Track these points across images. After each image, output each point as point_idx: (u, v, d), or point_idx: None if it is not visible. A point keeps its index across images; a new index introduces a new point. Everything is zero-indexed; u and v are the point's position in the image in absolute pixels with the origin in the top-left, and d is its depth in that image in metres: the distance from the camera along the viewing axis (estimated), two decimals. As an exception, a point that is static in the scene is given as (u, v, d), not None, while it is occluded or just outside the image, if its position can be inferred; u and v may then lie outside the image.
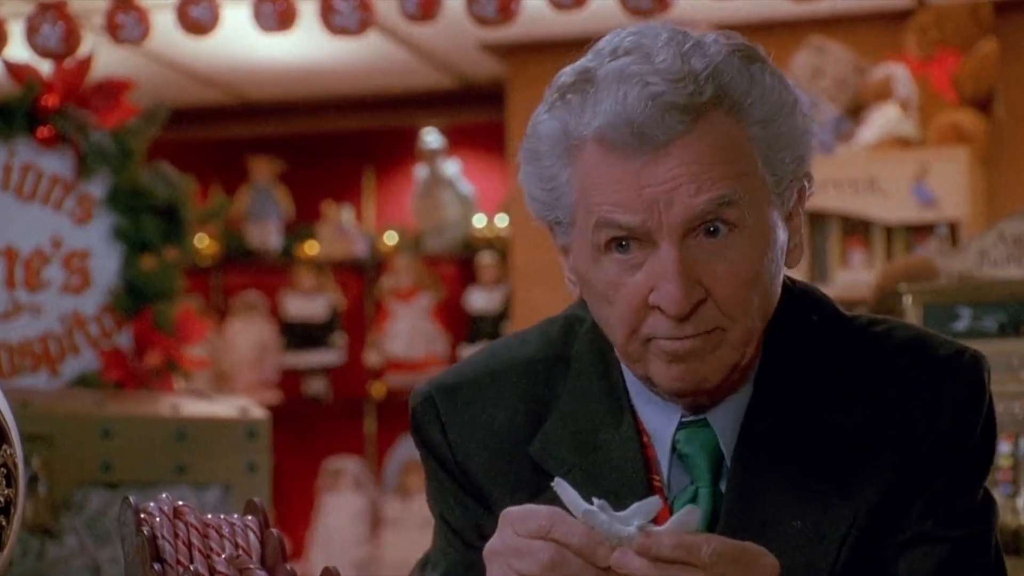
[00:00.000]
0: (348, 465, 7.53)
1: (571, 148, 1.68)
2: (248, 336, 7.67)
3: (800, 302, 1.77)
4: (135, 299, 3.96)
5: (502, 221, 7.44)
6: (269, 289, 7.81)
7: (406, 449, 7.48)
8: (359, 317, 7.79)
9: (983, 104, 6.15)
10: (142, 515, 1.58)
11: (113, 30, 4.68)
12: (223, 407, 3.86)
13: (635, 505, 1.50)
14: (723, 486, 1.71)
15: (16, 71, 4.04)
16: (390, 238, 7.67)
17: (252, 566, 1.57)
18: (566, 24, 5.85)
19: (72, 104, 3.97)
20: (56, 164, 3.95)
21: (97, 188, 3.96)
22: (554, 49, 6.70)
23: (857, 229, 6.00)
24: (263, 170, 7.82)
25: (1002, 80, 6.17)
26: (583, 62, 1.70)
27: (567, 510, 1.52)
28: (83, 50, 4.42)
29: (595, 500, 1.51)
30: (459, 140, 7.65)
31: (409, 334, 7.50)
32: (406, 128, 7.69)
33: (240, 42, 6.22)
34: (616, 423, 1.74)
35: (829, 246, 6.00)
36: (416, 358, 7.49)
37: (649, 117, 1.61)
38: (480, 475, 1.77)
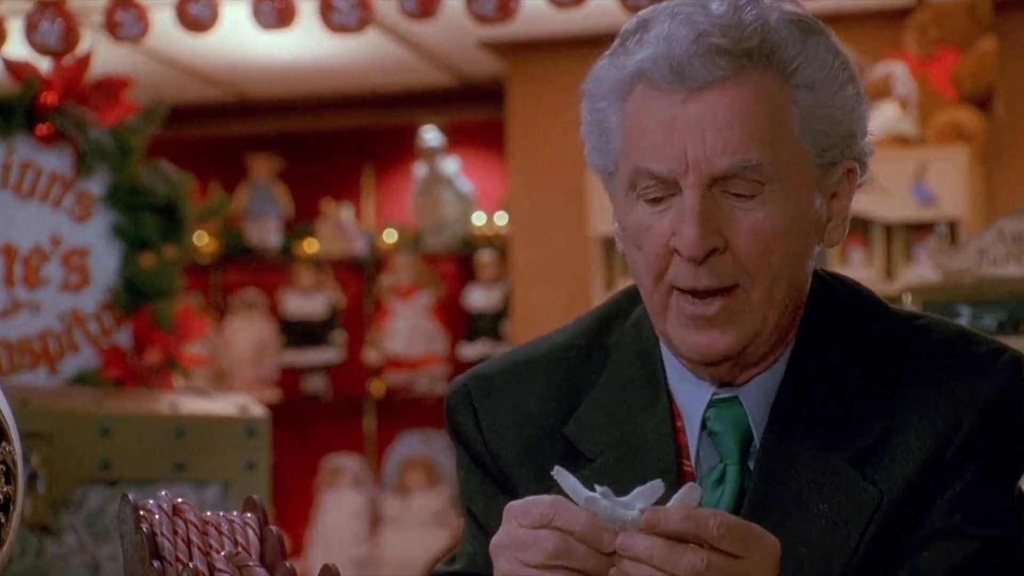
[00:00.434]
0: (347, 463, 7.53)
1: (621, 91, 1.70)
2: (247, 334, 7.67)
3: (839, 289, 1.78)
4: (134, 297, 3.96)
5: (501, 219, 7.44)
6: (268, 287, 7.81)
7: (405, 447, 7.49)
8: (358, 315, 7.79)
9: (982, 102, 6.14)
10: (141, 512, 1.58)
11: (112, 27, 4.68)
12: (222, 405, 3.86)
13: (637, 490, 1.51)
14: (751, 465, 1.71)
15: (15, 68, 4.03)
16: (389, 236, 7.67)
17: (251, 563, 1.57)
18: (566, 22, 5.85)
19: (71, 102, 3.96)
20: (55, 162, 3.95)
21: (96, 186, 3.96)
22: (554, 47, 6.70)
23: (856, 227, 6.00)
24: (262, 168, 7.82)
25: (1001, 78, 6.17)
26: (644, 11, 1.72)
27: (570, 499, 1.53)
28: (82, 47, 4.42)
29: (597, 487, 1.52)
30: (458, 138, 7.65)
31: (408, 332, 7.50)
32: (405, 126, 7.69)
33: (239, 40, 6.21)
34: (651, 408, 1.75)
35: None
36: (415, 356, 7.48)
37: (691, 56, 1.63)
38: (511, 462, 1.78)
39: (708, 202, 1.64)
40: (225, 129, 7.98)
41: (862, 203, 6.08)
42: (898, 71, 6.07)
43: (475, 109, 7.61)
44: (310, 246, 7.72)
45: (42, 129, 3.94)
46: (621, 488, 1.53)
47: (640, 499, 1.51)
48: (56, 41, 4.52)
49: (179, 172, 4.09)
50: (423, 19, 4.60)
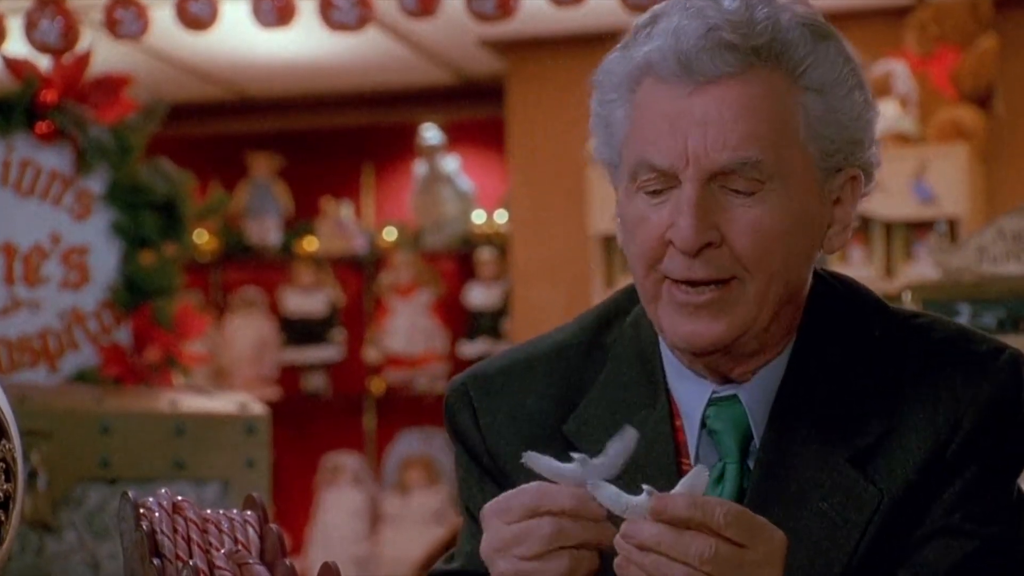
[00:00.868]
0: (347, 461, 7.54)
1: (630, 84, 1.70)
2: (247, 332, 7.67)
3: (838, 288, 1.78)
4: (134, 295, 3.95)
5: (501, 217, 7.44)
6: (268, 285, 7.81)
7: (405, 445, 7.49)
8: (358, 313, 7.79)
9: (983, 100, 6.14)
10: (141, 510, 1.58)
11: (112, 25, 4.67)
12: (222, 403, 3.86)
13: (611, 443, 1.51)
14: (751, 463, 1.72)
15: (15, 66, 4.03)
16: (389, 234, 7.67)
17: (251, 561, 1.57)
18: (565, 20, 5.85)
19: (71, 100, 3.96)
20: (55, 160, 3.95)
21: (96, 184, 3.96)
22: (553, 45, 6.70)
23: (856, 226, 6.00)
24: (262, 166, 7.82)
25: (1002, 76, 6.17)
26: (658, 5, 1.72)
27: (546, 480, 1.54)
28: (82, 45, 4.42)
29: (573, 456, 1.53)
30: (458, 136, 7.65)
31: (408, 330, 7.50)
32: (405, 124, 7.69)
33: (239, 38, 6.21)
34: (650, 407, 1.76)
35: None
36: (415, 354, 7.49)
37: (699, 49, 1.63)
38: (509, 460, 1.78)
39: (706, 196, 1.64)
40: (225, 127, 7.98)
41: (862, 201, 6.08)
42: (898, 69, 6.07)
43: (475, 107, 7.61)
44: (310, 244, 7.72)
45: (42, 127, 3.94)
46: (621, 488, 1.54)
47: (617, 454, 1.51)
48: (56, 39, 4.52)
49: (179, 170, 4.09)
50: (423, 17, 4.60)
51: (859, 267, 5.89)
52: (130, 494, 1.60)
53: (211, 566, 1.55)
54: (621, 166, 1.72)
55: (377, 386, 7.66)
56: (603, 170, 1.78)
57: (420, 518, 7.26)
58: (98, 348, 3.92)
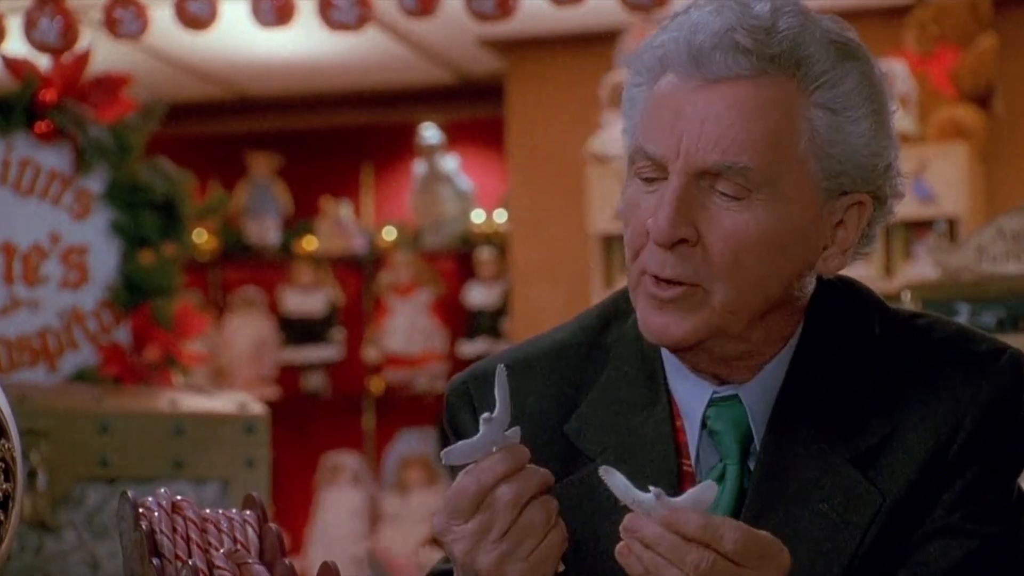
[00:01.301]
0: (347, 460, 7.53)
1: (654, 73, 1.69)
2: (247, 331, 7.67)
3: (839, 289, 1.77)
4: (133, 294, 3.95)
5: (501, 217, 7.44)
6: (268, 285, 7.81)
7: (404, 444, 7.48)
8: (357, 313, 7.79)
9: (982, 100, 6.14)
10: (140, 510, 1.58)
11: (111, 25, 4.67)
12: (221, 402, 3.86)
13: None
14: (751, 464, 1.71)
15: (14, 66, 4.03)
16: (388, 234, 7.67)
17: (250, 561, 1.57)
18: (565, 20, 5.85)
19: (70, 99, 3.96)
20: (54, 159, 3.95)
21: (95, 183, 3.96)
22: (553, 45, 6.70)
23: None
24: (261, 166, 7.82)
25: (1001, 76, 6.17)
26: None
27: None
28: (81, 45, 4.42)
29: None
30: (458, 136, 7.64)
31: (407, 330, 7.49)
32: (405, 124, 7.69)
33: (238, 37, 6.21)
34: (651, 407, 1.75)
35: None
36: (414, 354, 7.48)
37: (710, 47, 1.63)
38: None
39: (690, 192, 1.63)
40: (224, 127, 7.97)
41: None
42: (897, 69, 6.06)
43: (474, 107, 7.60)
44: (309, 244, 7.72)
45: (41, 126, 3.94)
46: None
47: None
48: (55, 38, 4.52)
49: (178, 170, 4.09)
50: (422, 17, 4.60)
51: (858, 266, 5.86)
52: (129, 494, 1.60)
53: (210, 566, 1.55)
54: (630, 150, 1.72)
55: (376, 386, 7.65)
56: (625, 155, 1.78)
57: (419, 518, 7.26)
58: (97, 348, 3.92)
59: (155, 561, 1.55)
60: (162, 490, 1.63)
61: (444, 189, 7.53)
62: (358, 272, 7.81)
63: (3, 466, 1.66)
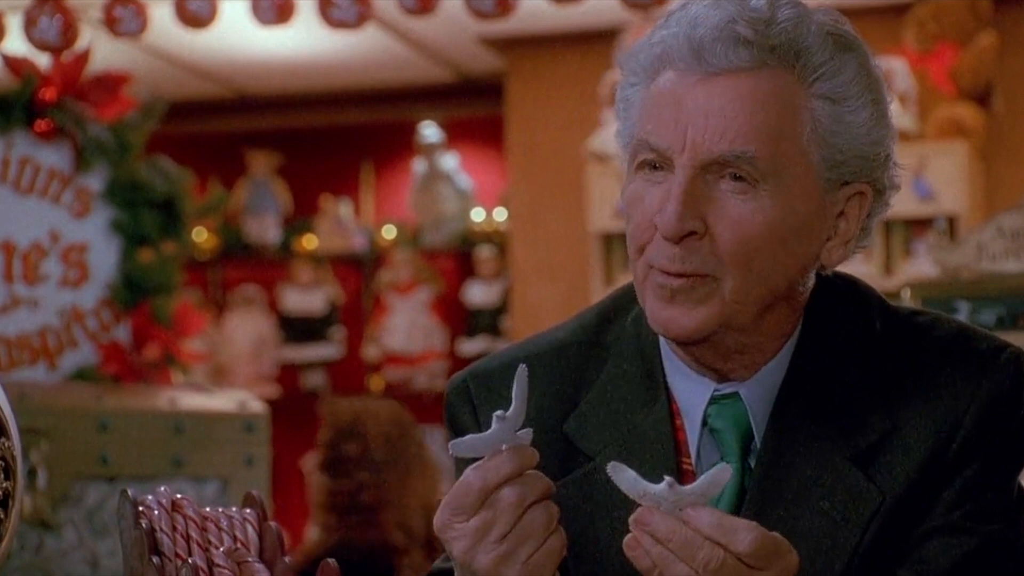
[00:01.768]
0: (346, 459, 7.53)
1: (651, 71, 1.69)
2: (246, 330, 7.67)
3: (839, 286, 1.78)
4: (133, 293, 3.95)
5: (500, 215, 7.43)
6: (267, 283, 7.81)
7: (404, 443, 7.47)
8: (357, 311, 7.79)
9: (982, 98, 6.14)
10: (140, 508, 1.58)
11: (111, 23, 4.67)
12: (221, 401, 3.86)
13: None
14: (751, 462, 1.71)
15: (14, 64, 4.03)
16: (388, 232, 7.67)
17: (250, 559, 1.57)
18: (565, 18, 5.85)
19: (70, 97, 3.96)
20: (54, 157, 3.95)
21: (95, 181, 3.96)
22: (552, 43, 6.70)
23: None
24: (261, 164, 7.82)
25: (1001, 74, 6.17)
26: None
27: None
28: (81, 43, 4.42)
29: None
30: (457, 134, 7.64)
31: (407, 328, 7.49)
32: (404, 122, 7.69)
33: (238, 36, 6.21)
34: (650, 406, 1.75)
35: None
36: (414, 352, 7.48)
37: (712, 40, 1.63)
38: None
39: (697, 185, 1.64)
40: (224, 125, 7.97)
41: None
42: (897, 67, 6.06)
43: (474, 105, 7.60)
44: (309, 242, 7.72)
45: (41, 125, 3.94)
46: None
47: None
48: (55, 37, 4.52)
49: (178, 168, 4.09)
50: (422, 15, 4.60)
51: (858, 264, 5.89)
52: (129, 492, 1.60)
53: (210, 564, 1.55)
54: (630, 146, 1.72)
55: (376, 384, 7.65)
56: (621, 157, 1.77)
57: (419, 516, 7.25)
58: (97, 346, 3.92)
59: (155, 559, 1.55)
60: (162, 488, 1.63)
61: (444, 187, 7.53)
62: (358, 270, 7.81)
63: (3, 464, 1.66)
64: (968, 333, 1.75)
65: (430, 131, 7.51)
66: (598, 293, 5.84)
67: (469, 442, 1.56)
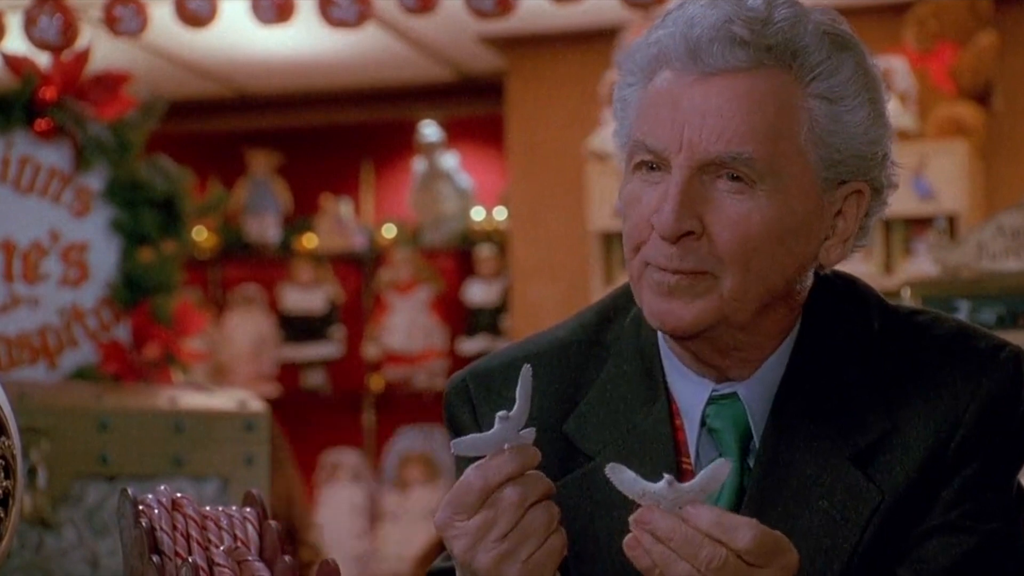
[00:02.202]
0: (346, 458, 7.54)
1: (648, 71, 1.69)
2: (246, 329, 7.67)
3: (838, 286, 1.78)
4: (133, 292, 3.95)
5: (500, 214, 7.44)
6: (267, 282, 7.81)
7: (404, 441, 7.49)
8: (357, 310, 7.79)
9: (982, 97, 6.14)
10: (140, 507, 1.59)
11: (111, 22, 4.67)
12: (221, 400, 3.86)
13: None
14: (751, 462, 1.71)
15: (14, 63, 4.03)
16: (388, 231, 7.67)
17: (250, 558, 1.57)
18: (565, 17, 5.85)
19: (70, 97, 3.96)
20: (54, 157, 3.94)
21: (95, 181, 3.96)
22: (553, 42, 6.70)
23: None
24: (261, 163, 7.82)
25: (1001, 73, 6.17)
26: None
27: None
28: (81, 42, 4.41)
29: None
30: (458, 133, 7.64)
31: (407, 327, 7.49)
32: (404, 121, 7.69)
33: (238, 35, 6.21)
34: (650, 406, 1.75)
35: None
36: (414, 351, 7.48)
37: (709, 40, 1.63)
38: None
39: (694, 185, 1.64)
40: (224, 124, 7.97)
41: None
42: (897, 66, 6.06)
43: (474, 104, 7.61)
44: (309, 241, 7.72)
45: (41, 124, 3.94)
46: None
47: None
48: (55, 36, 4.51)
49: (178, 167, 4.09)
50: (422, 14, 4.60)
51: (858, 263, 5.89)
52: (129, 491, 1.60)
53: (210, 563, 1.55)
54: (628, 146, 1.72)
55: (376, 383, 7.65)
56: (618, 156, 1.78)
57: (419, 515, 7.26)
58: (97, 345, 3.92)
59: (155, 558, 1.55)
60: (162, 487, 1.63)
61: (444, 186, 7.53)
62: (358, 269, 7.82)
63: (3, 463, 1.66)
64: (968, 332, 1.74)
65: (430, 130, 7.51)
66: (598, 292, 5.84)
67: (471, 441, 1.56)
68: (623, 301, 1.83)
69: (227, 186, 7.22)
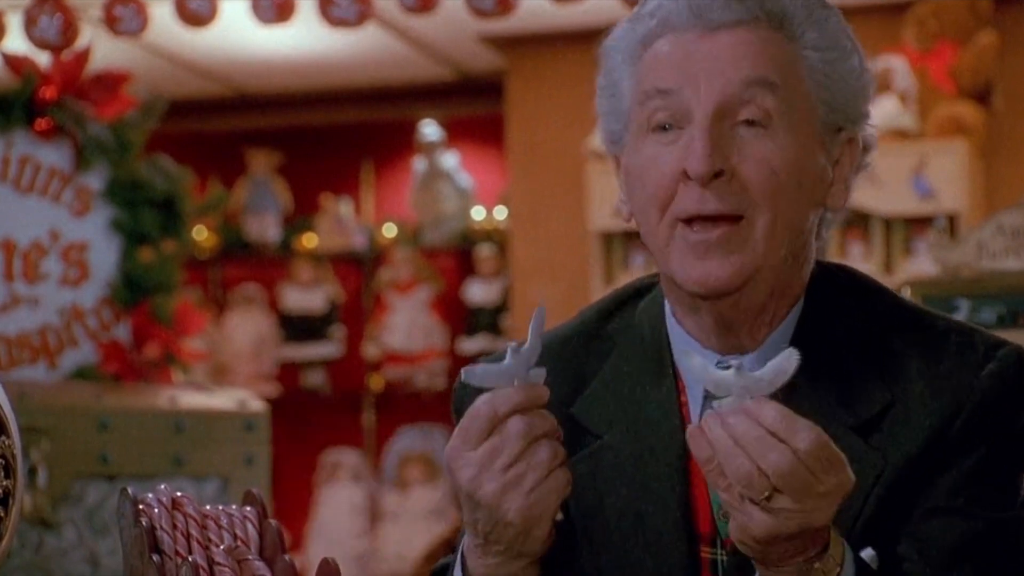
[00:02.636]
0: (346, 457, 7.54)
1: (635, 51, 1.73)
2: (246, 329, 7.67)
3: (844, 277, 1.79)
4: (133, 292, 3.95)
5: (501, 213, 7.44)
6: (267, 282, 7.81)
7: (404, 441, 7.49)
8: (357, 310, 7.79)
9: (982, 96, 6.15)
10: (140, 507, 1.59)
11: (111, 22, 4.67)
12: (221, 399, 3.86)
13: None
14: None
15: (14, 63, 4.03)
16: (388, 230, 7.67)
17: (250, 557, 1.57)
18: (565, 17, 5.84)
19: (70, 96, 3.96)
20: (54, 156, 3.95)
21: (95, 180, 3.96)
22: (553, 42, 6.70)
23: (856, 221, 6.00)
24: (261, 163, 7.82)
25: (1001, 72, 6.17)
26: None
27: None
28: (81, 42, 4.41)
29: (508, 344, 1.58)
30: (458, 132, 7.64)
31: (407, 327, 7.49)
32: (404, 120, 7.69)
33: (238, 34, 6.21)
34: (657, 382, 1.77)
35: (827, 238, 5.99)
36: (414, 351, 7.48)
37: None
38: None
39: (719, 128, 1.66)
40: (224, 124, 7.97)
41: (861, 197, 6.08)
42: (897, 65, 6.07)
43: (474, 103, 7.61)
44: (309, 241, 7.72)
45: (41, 124, 3.94)
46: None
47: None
48: (55, 36, 4.51)
49: (178, 167, 4.09)
50: (422, 13, 4.60)
51: (858, 262, 5.89)
52: (129, 490, 1.60)
53: (210, 562, 1.55)
54: (628, 130, 1.75)
55: (376, 383, 7.65)
56: (608, 146, 1.81)
57: (419, 514, 7.26)
58: (97, 345, 3.92)
59: (155, 557, 1.55)
60: (162, 487, 1.63)
61: (444, 186, 7.53)
62: (358, 269, 7.82)
63: (3, 463, 1.66)
64: (969, 327, 1.77)
65: (430, 130, 7.51)
66: (598, 292, 5.84)
67: (483, 370, 1.59)
68: (626, 296, 1.85)
69: (227, 186, 7.22)
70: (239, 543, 1.59)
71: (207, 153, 7.72)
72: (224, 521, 1.60)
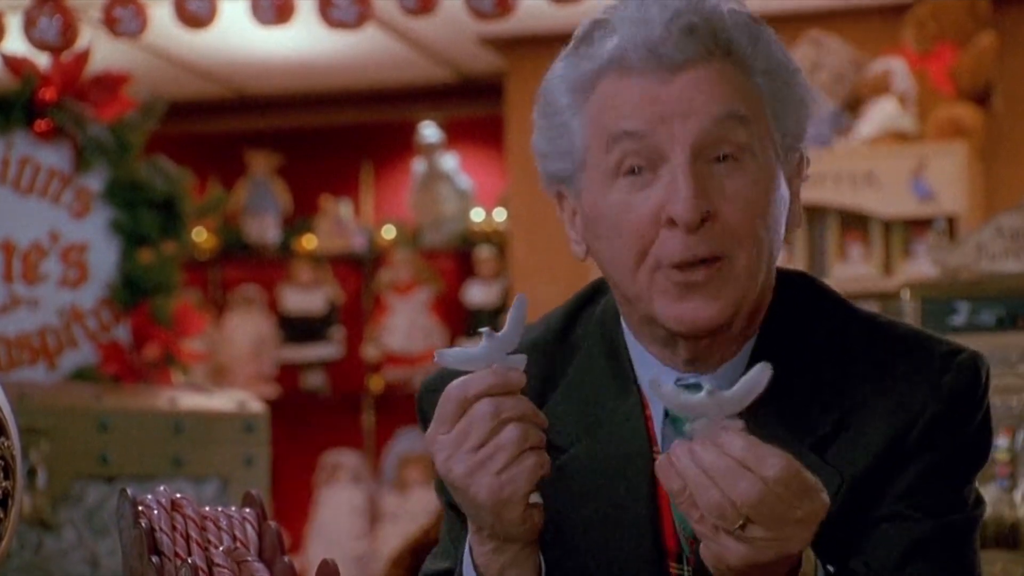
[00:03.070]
0: (346, 459, 7.53)
1: (584, 89, 1.70)
2: (246, 330, 7.67)
3: (800, 284, 1.79)
4: (133, 293, 3.96)
5: (500, 215, 7.44)
6: (267, 283, 7.81)
7: (404, 443, 7.49)
8: (357, 311, 7.79)
9: (981, 98, 6.15)
10: (140, 508, 1.59)
11: (111, 23, 4.67)
12: (221, 401, 3.86)
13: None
14: None
15: (14, 64, 4.03)
16: (388, 232, 7.67)
17: (250, 559, 1.57)
18: (564, 18, 5.84)
19: (70, 97, 3.96)
20: (54, 157, 3.95)
21: (95, 181, 3.96)
22: (552, 43, 6.62)
23: (855, 223, 6.00)
24: (261, 164, 7.82)
25: (1000, 74, 6.17)
26: (596, 14, 1.73)
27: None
28: (81, 43, 4.42)
29: (482, 331, 1.58)
30: (457, 134, 7.65)
31: (407, 328, 7.50)
32: (404, 122, 7.69)
33: (238, 36, 6.21)
34: (622, 397, 1.76)
35: (827, 240, 6.00)
36: (414, 352, 7.48)
37: (668, 36, 1.64)
38: None
39: (696, 168, 1.64)
40: (224, 125, 7.97)
41: (861, 198, 6.09)
42: (897, 67, 6.06)
43: (474, 105, 7.61)
44: (309, 242, 7.72)
45: (41, 125, 3.94)
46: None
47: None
48: (55, 37, 4.52)
49: (178, 168, 4.09)
50: (422, 15, 4.60)
51: (857, 264, 5.89)
52: (129, 491, 1.60)
53: (210, 563, 1.55)
54: (584, 171, 1.71)
55: (376, 384, 7.65)
56: (549, 186, 1.76)
57: (419, 515, 7.25)
58: (97, 346, 3.93)
59: (154, 559, 1.55)
60: (161, 488, 1.63)
61: (444, 187, 7.53)
62: (358, 270, 7.82)
63: (3, 464, 1.66)
64: (927, 335, 1.77)
65: (430, 131, 7.51)
66: (598, 293, 5.84)
67: (458, 353, 1.59)
68: (588, 297, 1.85)
69: (227, 187, 7.22)
70: (238, 544, 1.60)
71: (207, 154, 7.72)
72: (223, 522, 1.61)
